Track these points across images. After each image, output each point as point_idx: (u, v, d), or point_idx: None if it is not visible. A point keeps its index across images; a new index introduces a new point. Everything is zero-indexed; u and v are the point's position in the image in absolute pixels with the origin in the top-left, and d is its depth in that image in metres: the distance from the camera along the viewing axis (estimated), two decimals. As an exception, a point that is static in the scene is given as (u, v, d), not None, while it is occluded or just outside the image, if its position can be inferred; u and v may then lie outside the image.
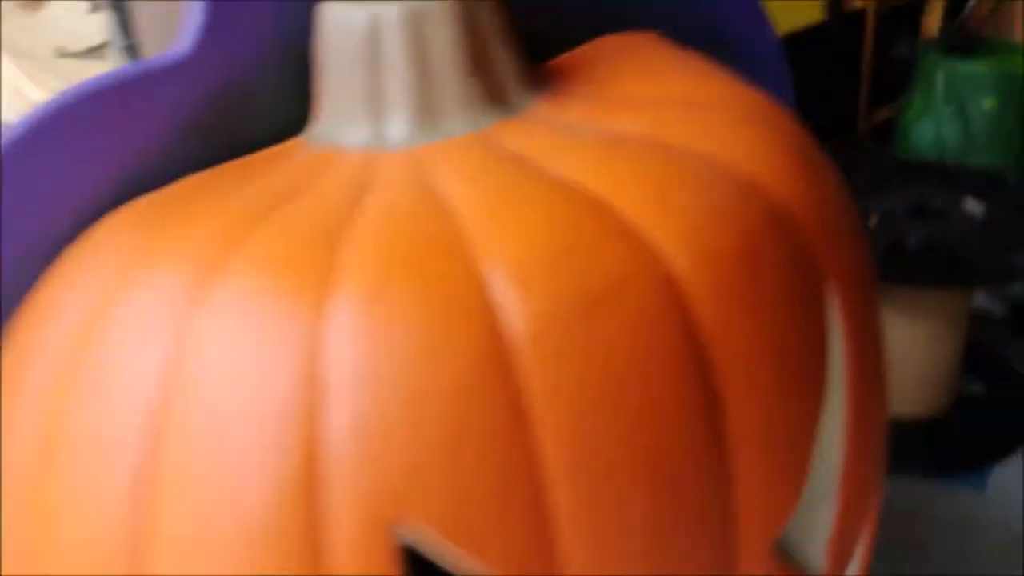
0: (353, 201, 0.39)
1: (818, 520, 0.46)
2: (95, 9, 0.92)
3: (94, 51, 0.90)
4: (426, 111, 0.41)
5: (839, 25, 1.32)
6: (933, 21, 1.46)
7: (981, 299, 1.24)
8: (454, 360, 0.33)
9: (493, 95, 0.43)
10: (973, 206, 1.05)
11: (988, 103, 1.36)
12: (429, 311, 0.34)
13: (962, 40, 1.46)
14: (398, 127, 0.42)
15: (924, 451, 1.06)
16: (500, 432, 0.34)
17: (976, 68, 1.38)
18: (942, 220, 1.03)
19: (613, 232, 0.36)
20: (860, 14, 1.36)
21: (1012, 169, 1.33)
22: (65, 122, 0.39)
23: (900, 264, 0.98)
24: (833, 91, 1.40)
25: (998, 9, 1.46)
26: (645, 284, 0.36)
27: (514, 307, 0.34)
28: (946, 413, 1.10)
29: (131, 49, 0.64)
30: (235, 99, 0.44)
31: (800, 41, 1.29)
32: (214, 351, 0.31)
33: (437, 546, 0.34)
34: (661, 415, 0.36)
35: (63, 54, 0.89)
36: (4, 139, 0.38)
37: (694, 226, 0.37)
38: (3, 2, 0.91)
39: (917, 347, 1.06)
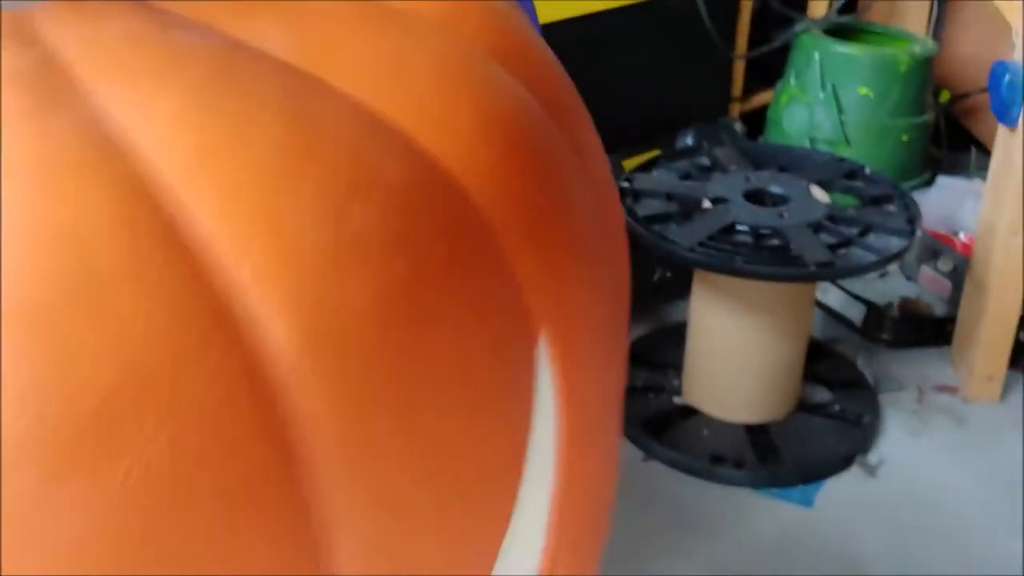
0: None
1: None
2: None
3: None
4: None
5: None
6: (820, 1, 1.36)
7: (839, 302, 1.16)
8: None
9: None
10: (820, 195, 0.96)
11: (863, 90, 1.26)
12: None
13: (845, 23, 1.37)
14: None
15: (754, 460, 0.97)
16: None
17: (852, 51, 1.28)
18: (780, 209, 0.94)
19: (114, 204, 0.25)
20: (737, -15, 1.26)
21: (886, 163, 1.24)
22: None
23: (727, 251, 0.89)
24: (706, 68, 1.30)
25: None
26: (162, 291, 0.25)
27: None
28: (782, 421, 1.01)
29: None
30: None
31: (668, 9, 1.19)
32: None
33: None
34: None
35: None
36: None
37: (263, 205, 0.26)
38: None
39: (755, 345, 0.97)
